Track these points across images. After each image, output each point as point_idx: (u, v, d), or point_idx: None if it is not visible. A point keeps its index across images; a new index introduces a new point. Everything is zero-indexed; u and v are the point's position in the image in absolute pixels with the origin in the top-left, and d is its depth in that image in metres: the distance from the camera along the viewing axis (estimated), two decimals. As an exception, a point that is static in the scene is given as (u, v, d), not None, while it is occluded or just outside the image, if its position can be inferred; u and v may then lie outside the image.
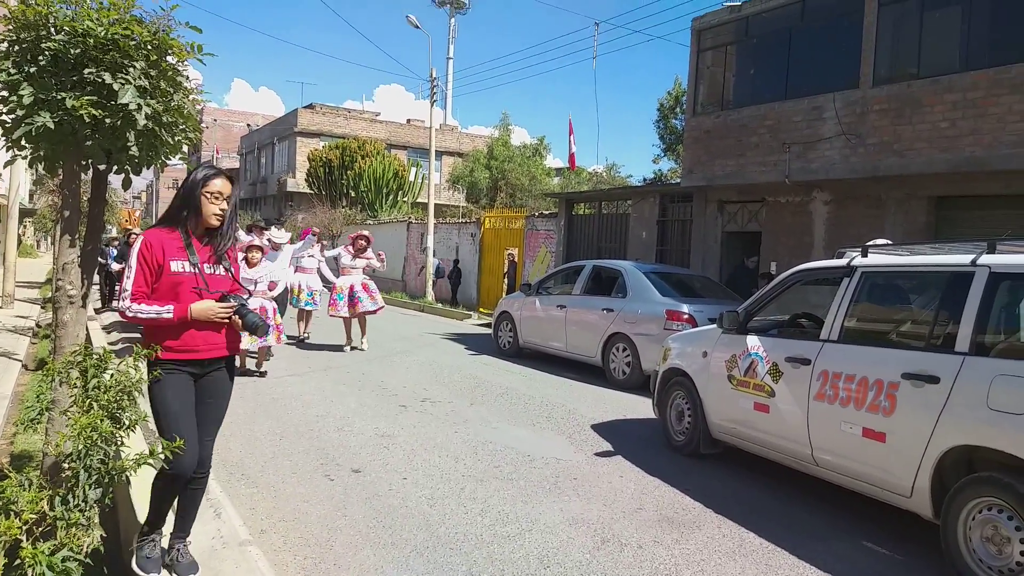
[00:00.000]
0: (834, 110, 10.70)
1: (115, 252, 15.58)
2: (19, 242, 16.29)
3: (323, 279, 12.18)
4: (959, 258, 4.44)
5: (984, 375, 3.92)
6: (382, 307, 11.55)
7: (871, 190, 10.90)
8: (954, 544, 3.94)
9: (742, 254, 13.07)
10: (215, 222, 3.40)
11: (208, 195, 3.35)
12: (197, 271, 3.33)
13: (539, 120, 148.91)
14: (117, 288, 13.86)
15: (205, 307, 3.30)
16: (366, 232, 11.71)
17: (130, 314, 3.25)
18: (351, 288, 11.11)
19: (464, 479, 5.37)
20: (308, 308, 12.08)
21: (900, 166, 10.01)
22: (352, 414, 7.23)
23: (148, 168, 4.89)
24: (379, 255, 11.79)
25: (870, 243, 5.39)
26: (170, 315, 3.24)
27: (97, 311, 14.53)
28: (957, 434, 3.99)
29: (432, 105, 24.11)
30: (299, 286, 11.92)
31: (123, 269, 13.45)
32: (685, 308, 9.08)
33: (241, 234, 9.25)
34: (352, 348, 11.47)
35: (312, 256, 12.18)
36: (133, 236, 14.75)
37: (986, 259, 4.22)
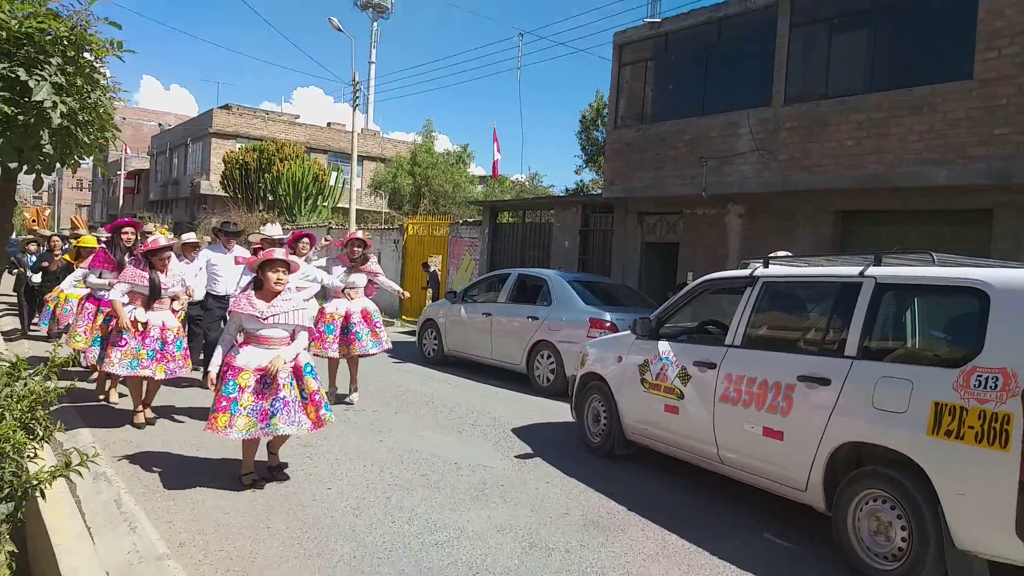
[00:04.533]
0: (748, 126, 11.12)
1: (33, 259, 12.78)
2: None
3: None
4: (849, 270, 4.79)
5: (870, 377, 4.25)
6: (388, 348, 8.33)
7: (782, 204, 11.37)
8: (844, 533, 4.28)
9: (662, 264, 13.42)
10: None
11: None
12: None
13: (462, 128, 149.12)
14: (39, 310, 11.49)
15: None
16: (361, 234, 8.25)
17: None
18: (347, 317, 7.97)
19: (390, 488, 5.34)
20: None
21: (809, 181, 10.48)
22: (273, 423, 7.08)
23: (63, 167, 4.70)
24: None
25: (771, 255, 5.70)
26: None
27: (6, 336, 11.69)
28: (846, 432, 4.32)
29: (355, 109, 23.86)
30: None
31: (47, 282, 11.47)
32: (608, 316, 9.25)
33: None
34: (338, 399, 8.19)
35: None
36: (55, 240, 12.38)
37: (873, 271, 4.58)
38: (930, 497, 3.81)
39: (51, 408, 3.51)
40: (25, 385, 3.20)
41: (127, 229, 7.52)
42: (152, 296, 6.65)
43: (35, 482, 3.11)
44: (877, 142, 9.75)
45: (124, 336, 6.44)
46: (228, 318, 5.24)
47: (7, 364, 3.27)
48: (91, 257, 8.12)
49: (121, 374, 6.53)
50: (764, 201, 11.59)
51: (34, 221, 16.17)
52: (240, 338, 5.23)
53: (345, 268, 8.03)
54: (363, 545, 4.29)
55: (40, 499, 3.46)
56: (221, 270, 8.47)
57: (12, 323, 13.22)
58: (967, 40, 8.92)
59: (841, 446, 4.34)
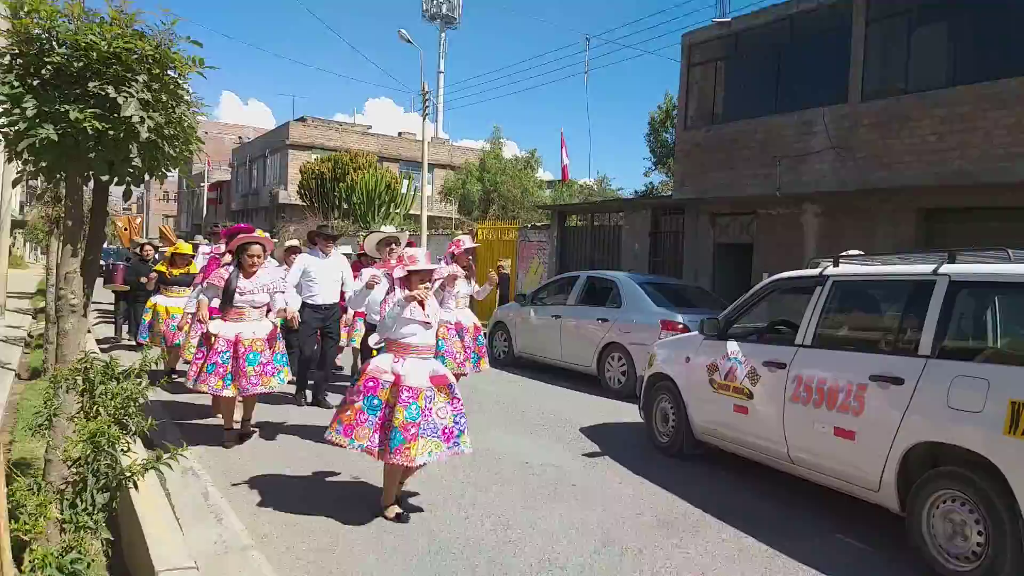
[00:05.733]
0: (824, 124, 10.85)
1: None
2: (9, 253, 15.28)
3: None
4: (922, 267, 4.68)
5: (944, 376, 4.14)
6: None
7: (861, 203, 11.04)
8: (918, 534, 4.18)
9: (735, 266, 13.19)
10: None
11: None
12: None
13: (530, 133, 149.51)
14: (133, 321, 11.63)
15: None
16: (471, 241, 7.50)
17: None
18: (459, 328, 7.11)
19: (464, 486, 5.41)
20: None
21: (889, 179, 10.16)
22: (349, 424, 7.24)
23: (150, 179, 4.93)
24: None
25: (843, 254, 5.61)
26: None
27: (100, 344, 11.18)
28: (920, 431, 4.22)
29: (424, 119, 24.25)
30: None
31: (140, 292, 11.46)
32: (680, 318, 9.15)
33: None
34: None
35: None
36: (147, 249, 12.09)
37: (947, 268, 4.46)
38: (1007, 497, 3.71)
39: (144, 406, 3.70)
40: (118, 383, 3.37)
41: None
42: (224, 300, 6.14)
43: (128, 474, 3.27)
44: (961, 137, 9.39)
45: (200, 348, 6.17)
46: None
47: (102, 363, 3.46)
48: (203, 268, 7.74)
49: (188, 387, 6.20)
50: (842, 200, 11.28)
51: (126, 229, 16.64)
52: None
53: (464, 277, 7.18)
54: (438, 541, 4.36)
55: (133, 490, 3.64)
56: (318, 277, 7.75)
57: (107, 331, 13.56)
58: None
59: (915, 446, 4.25)
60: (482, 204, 29.98)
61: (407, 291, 4.65)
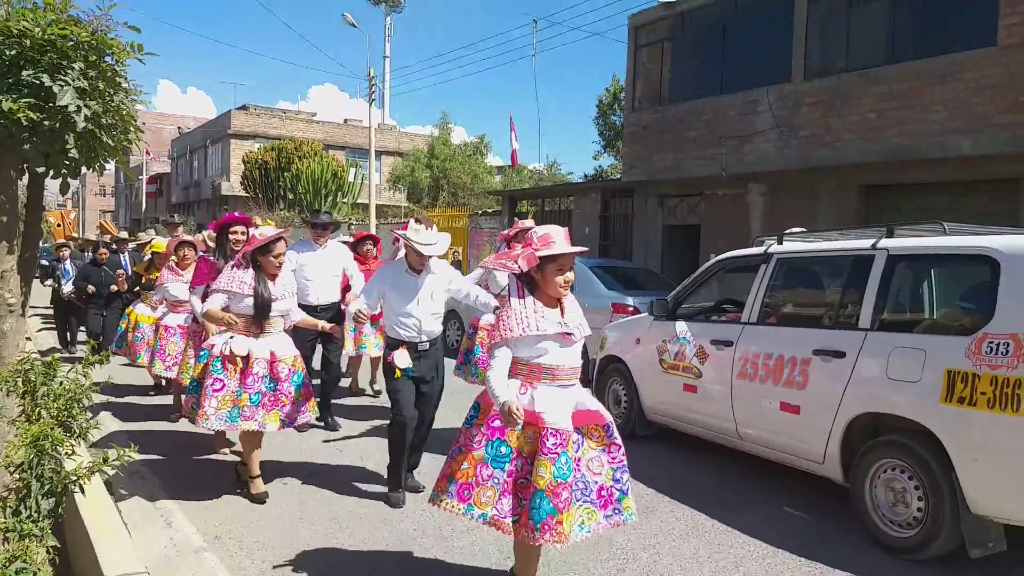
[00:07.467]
0: (768, 104, 11.03)
1: (69, 271, 11.21)
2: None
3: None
4: (861, 243, 4.79)
5: (883, 348, 4.26)
6: None
7: (804, 181, 11.26)
8: (862, 502, 4.31)
9: (684, 247, 13.36)
10: None
11: None
12: None
13: (478, 118, 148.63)
14: (81, 324, 10.80)
15: None
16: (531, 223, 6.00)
17: None
18: None
19: (420, 477, 5.38)
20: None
21: (831, 157, 10.38)
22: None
23: (88, 171, 4.77)
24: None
25: (786, 232, 5.71)
26: None
27: (44, 355, 8.16)
28: (862, 403, 4.34)
29: (371, 104, 23.95)
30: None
31: (81, 293, 10.24)
32: (630, 300, 9.24)
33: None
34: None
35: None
36: (102, 252, 10.41)
37: (885, 243, 4.58)
38: (945, 464, 3.83)
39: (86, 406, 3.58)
40: (60, 384, 3.26)
41: (236, 228, 5.57)
42: (259, 314, 4.79)
43: (74, 478, 3.17)
44: (900, 114, 9.64)
45: (219, 376, 4.67)
46: (494, 340, 3.32)
47: (43, 365, 3.34)
48: (191, 273, 6.51)
49: (217, 428, 4.87)
50: (786, 179, 11.49)
51: (59, 225, 15.70)
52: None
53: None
54: (397, 532, 4.34)
55: (79, 495, 3.53)
56: (311, 273, 6.60)
57: (48, 338, 12.29)
58: (989, 5, 8.77)
59: (857, 417, 4.36)
60: (431, 191, 29.80)
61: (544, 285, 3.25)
